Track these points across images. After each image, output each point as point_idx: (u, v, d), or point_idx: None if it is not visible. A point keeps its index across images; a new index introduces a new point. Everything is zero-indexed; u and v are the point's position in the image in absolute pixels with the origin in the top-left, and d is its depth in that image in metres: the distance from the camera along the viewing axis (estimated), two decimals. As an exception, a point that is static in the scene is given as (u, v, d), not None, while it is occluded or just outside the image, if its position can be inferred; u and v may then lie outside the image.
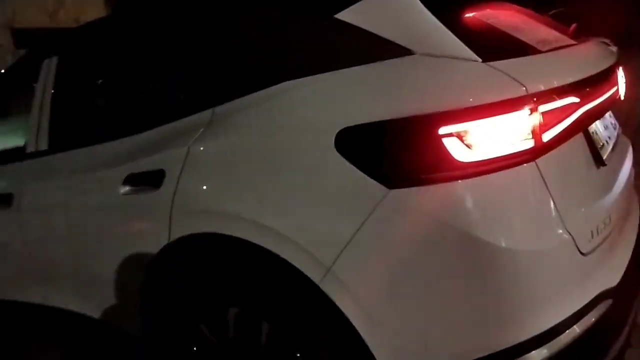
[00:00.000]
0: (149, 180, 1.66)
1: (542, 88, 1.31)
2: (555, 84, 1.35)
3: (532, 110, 1.27)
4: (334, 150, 1.32)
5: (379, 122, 1.30)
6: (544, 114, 1.30)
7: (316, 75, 1.48)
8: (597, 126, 1.64)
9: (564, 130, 1.35)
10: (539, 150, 1.29)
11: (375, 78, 1.42)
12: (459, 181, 1.25)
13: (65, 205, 2.00)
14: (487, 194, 1.28)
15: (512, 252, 1.26)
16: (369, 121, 1.32)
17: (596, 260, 1.40)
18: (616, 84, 1.69)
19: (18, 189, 2.19)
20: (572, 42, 1.68)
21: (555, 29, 1.75)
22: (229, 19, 1.80)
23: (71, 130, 2.19)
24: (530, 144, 1.27)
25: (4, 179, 2.33)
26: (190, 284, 1.64)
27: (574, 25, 1.71)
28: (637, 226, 1.75)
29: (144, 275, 1.71)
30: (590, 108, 1.45)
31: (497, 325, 1.28)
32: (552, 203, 1.31)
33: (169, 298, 1.69)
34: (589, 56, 1.67)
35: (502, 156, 1.26)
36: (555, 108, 1.33)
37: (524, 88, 1.27)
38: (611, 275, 1.46)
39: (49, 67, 2.26)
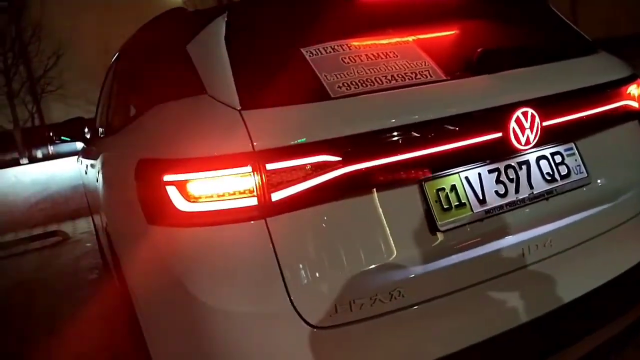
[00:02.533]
0: None
1: (277, 145, 1.25)
2: (300, 139, 1.27)
3: (256, 168, 1.24)
4: (133, 177, 1.47)
5: (141, 159, 1.47)
6: (274, 172, 1.25)
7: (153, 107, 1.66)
8: (467, 182, 1.47)
9: (315, 189, 1.26)
10: (267, 209, 1.25)
11: (166, 116, 1.57)
12: (176, 228, 1.30)
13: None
14: (203, 246, 1.28)
15: (218, 310, 1.24)
16: (143, 157, 1.46)
17: (344, 336, 1.29)
18: (505, 126, 1.48)
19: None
20: (442, 75, 1.51)
21: (440, 56, 1.57)
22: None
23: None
24: (253, 201, 1.24)
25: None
26: None
27: (480, 50, 1.57)
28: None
29: None
30: (385, 164, 1.31)
31: None
32: (277, 267, 1.25)
33: None
34: (429, 98, 1.46)
35: (223, 210, 1.25)
36: (294, 166, 1.26)
37: (251, 144, 1.24)
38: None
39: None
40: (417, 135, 1.38)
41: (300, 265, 1.29)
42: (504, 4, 1.97)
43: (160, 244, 1.36)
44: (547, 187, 1.59)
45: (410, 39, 1.62)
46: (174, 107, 1.56)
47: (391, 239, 1.38)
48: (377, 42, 1.58)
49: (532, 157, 1.60)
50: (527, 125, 1.51)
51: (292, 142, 1.28)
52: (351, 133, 1.32)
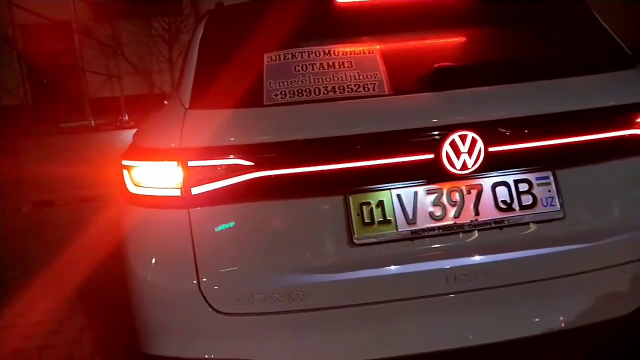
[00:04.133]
0: None
1: (199, 144, 1.42)
2: (223, 142, 1.41)
3: (180, 164, 1.40)
4: None
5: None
6: (194, 169, 1.41)
7: None
8: (398, 200, 1.45)
9: (231, 189, 1.40)
10: (188, 201, 1.42)
11: (158, 108, 1.83)
12: (127, 205, 1.53)
13: None
14: (140, 223, 1.52)
15: (143, 280, 1.48)
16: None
17: (241, 325, 1.43)
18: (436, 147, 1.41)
19: None
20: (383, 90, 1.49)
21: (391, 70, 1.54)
22: None
23: None
24: (177, 193, 1.42)
25: None
26: None
27: (438, 65, 1.50)
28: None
29: None
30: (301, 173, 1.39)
31: (140, 334, 1.54)
32: (192, 253, 1.42)
33: None
34: (355, 112, 1.46)
35: (156, 196, 1.46)
36: (212, 166, 1.41)
37: (180, 141, 1.42)
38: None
39: None
40: (340, 148, 1.41)
41: (212, 255, 1.44)
42: (490, 11, 1.79)
43: (120, 216, 1.62)
44: (498, 216, 1.49)
45: (376, 47, 1.61)
46: (166, 101, 1.81)
47: (304, 244, 1.45)
48: (338, 50, 1.60)
49: (487, 182, 1.50)
50: (463, 149, 1.42)
51: (212, 144, 1.42)
52: (269, 140, 1.41)
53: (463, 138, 1.42)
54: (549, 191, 1.52)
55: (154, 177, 1.47)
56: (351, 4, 1.73)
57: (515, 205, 1.50)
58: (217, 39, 1.69)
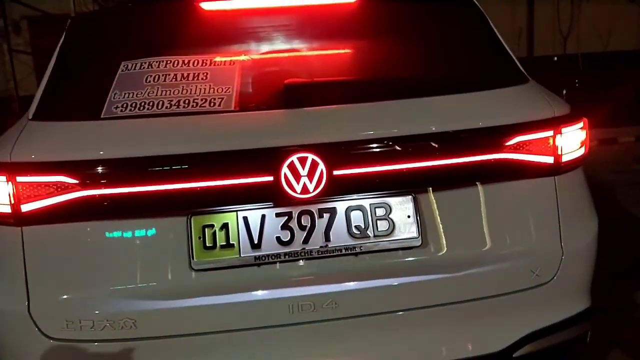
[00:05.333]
0: None
1: (28, 159, 1.34)
2: (50, 157, 1.33)
3: (9, 179, 1.32)
4: None
5: None
6: (24, 185, 1.32)
7: None
8: (244, 223, 1.37)
9: (60, 207, 1.31)
10: (19, 218, 1.33)
11: None
12: None
13: None
14: None
15: None
16: None
17: (70, 352, 1.36)
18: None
19: None
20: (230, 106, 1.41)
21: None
22: None
23: None
24: (7, 209, 1.34)
25: None
26: None
27: (287, 82, 1.41)
28: None
29: None
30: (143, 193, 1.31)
31: None
32: (23, 273, 1.35)
33: None
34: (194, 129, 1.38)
35: None
36: (40, 183, 1.32)
37: (10, 155, 1.34)
38: None
39: None
40: (176, 167, 1.33)
41: (44, 277, 1.37)
42: (359, 22, 1.68)
43: None
44: (351, 242, 1.40)
45: (238, 59, 1.52)
46: None
47: (139, 268, 1.38)
48: (196, 60, 1.51)
49: (341, 206, 1.41)
50: (303, 172, 1.33)
51: (39, 159, 1.35)
52: (94, 157, 1.33)
53: (302, 160, 1.33)
54: (408, 217, 1.42)
55: None
56: (219, 12, 1.63)
57: (370, 231, 1.41)
58: (75, 47, 1.61)
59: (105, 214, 1.36)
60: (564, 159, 1.53)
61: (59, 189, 1.33)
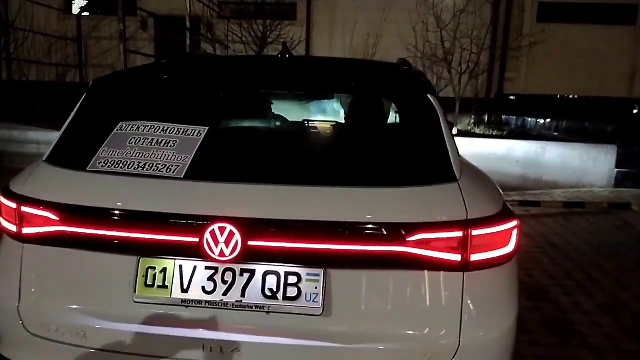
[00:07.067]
0: None
1: (31, 195, 1.76)
2: (41, 196, 1.73)
3: (17, 207, 1.77)
4: None
5: None
6: (26, 214, 1.75)
7: None
8: (179, 270, 1.64)
9: (47, 235, 1.71)
10: (22, 238, 1.77)
11: None
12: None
13: None
14: None
15: None
16: None
17: (42, 347, 1.74)
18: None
19: None
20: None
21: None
22: None
23: None
24: (15, 229, 1.77)
25: None
26: None
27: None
28: None
29: None
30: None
31: None
32: (19, 280, 1.76)
33: None
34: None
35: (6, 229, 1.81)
36: (35, 215, 1.73)
37: (21, 188, 1.79)
38: None
39: None
40: (130, 219, 1.67)
41: (31, 285, 1.78)
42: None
43: None
44: (262, 302, 1.64)
45: (204, 129, 1.83)
46: None
47: (96, 292, 1.73)
48: (174, 128, 1.85)
49: (260, 269, 1.66)
50: (221, 239, 1.59)
51: (37, 197, 1.75)
52: (73, 203, 1.71)
53: (222, 230, 1.60)
54: (316, 288, 1.63)
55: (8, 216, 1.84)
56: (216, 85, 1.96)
57: (280, 294, 1.64)
58: (91, 105, 2.00)
59: (77, 246, 1.73)
60: (475, 258, 1.65)
61: (47, 222, 1.73)
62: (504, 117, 13.45)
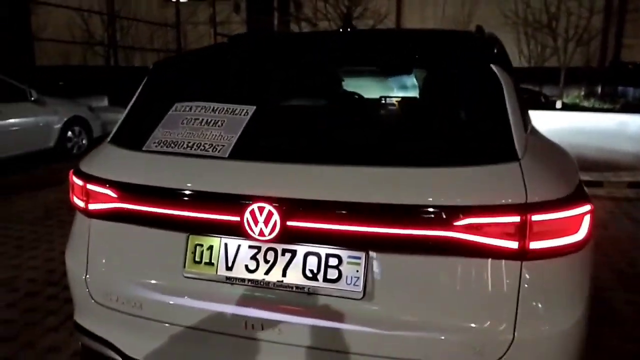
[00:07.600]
0: None
1: (99, 174, 1.86)
2: (103, 175, 1.83)
3: (84, 185, 1.90)
4: None
5: None
6: (91, 191, 1.85)
7: None
8: (225, 248, 1.65)
9: (106, 211, 1.80)
10: (88, 213, 1.88)
11: None
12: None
13: None
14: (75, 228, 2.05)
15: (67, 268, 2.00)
16: None
17: (106, 314, 1.87)
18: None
19: None
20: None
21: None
22: None
23: None
24: (82, 204, 1.90)
25: None
26: None
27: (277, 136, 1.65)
28: None
29: None
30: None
31: None
32: (86, 255, 1.89)
33: None
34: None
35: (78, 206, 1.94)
36: (98, 192, 1.83)
37: (88, 168, 1.92)
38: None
39: None
40: (181, 198, 1.71)
41: (95, 256, 1.91)
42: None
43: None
44: (302, 282, 1.61)
45: (252, 108, 1.82)
46: None
47: (151, 266, 1.81)
48: (222, 108, 1.85)
49: (301, 249, 1.62)
50: (260, 219, 1.58)
51: (99, 175, 1.85)
52: (129, 182, 1.78)
53: (261, 209, 1.58)
54: (357, 271, 1.57)
55: (78, 193, 1.99)
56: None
57: (320, 276, 1.60)
58: (151, 88, 2.07)
59: (133, 222, 1.81)
60: (534, 245, 1.49)
61: (107, 199, 1.83)
62: (620, 88, 12.07)
